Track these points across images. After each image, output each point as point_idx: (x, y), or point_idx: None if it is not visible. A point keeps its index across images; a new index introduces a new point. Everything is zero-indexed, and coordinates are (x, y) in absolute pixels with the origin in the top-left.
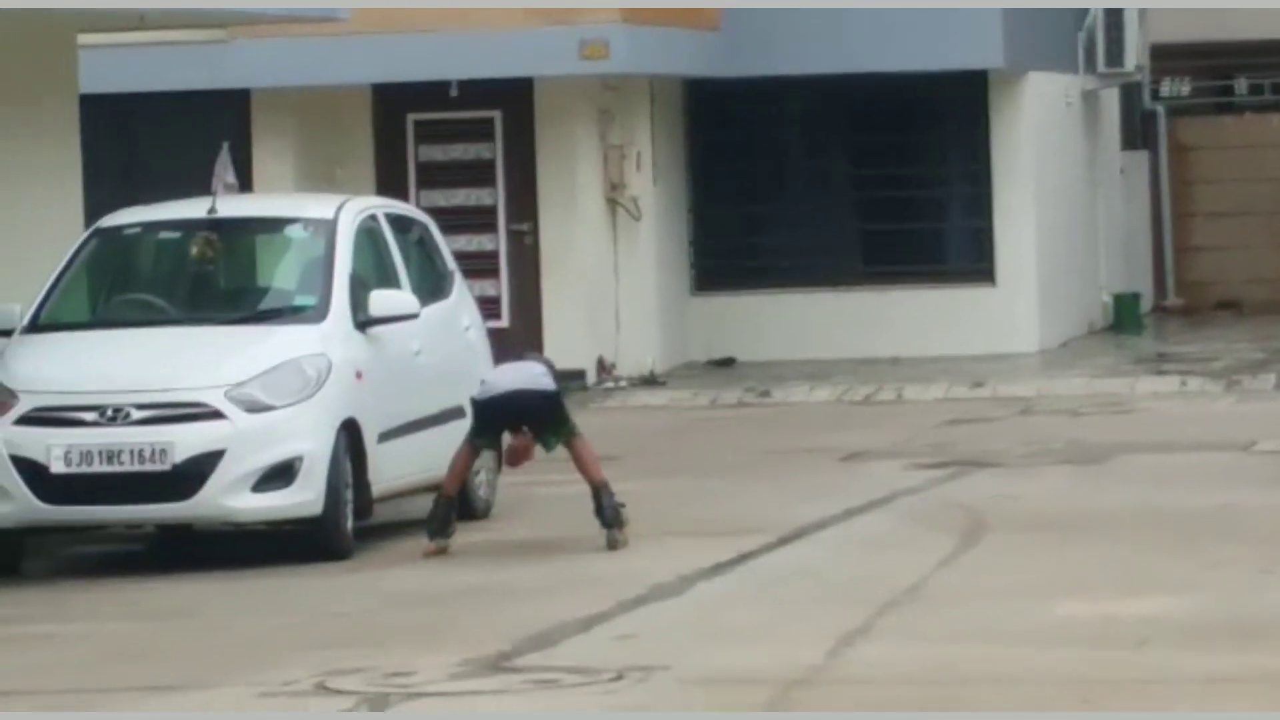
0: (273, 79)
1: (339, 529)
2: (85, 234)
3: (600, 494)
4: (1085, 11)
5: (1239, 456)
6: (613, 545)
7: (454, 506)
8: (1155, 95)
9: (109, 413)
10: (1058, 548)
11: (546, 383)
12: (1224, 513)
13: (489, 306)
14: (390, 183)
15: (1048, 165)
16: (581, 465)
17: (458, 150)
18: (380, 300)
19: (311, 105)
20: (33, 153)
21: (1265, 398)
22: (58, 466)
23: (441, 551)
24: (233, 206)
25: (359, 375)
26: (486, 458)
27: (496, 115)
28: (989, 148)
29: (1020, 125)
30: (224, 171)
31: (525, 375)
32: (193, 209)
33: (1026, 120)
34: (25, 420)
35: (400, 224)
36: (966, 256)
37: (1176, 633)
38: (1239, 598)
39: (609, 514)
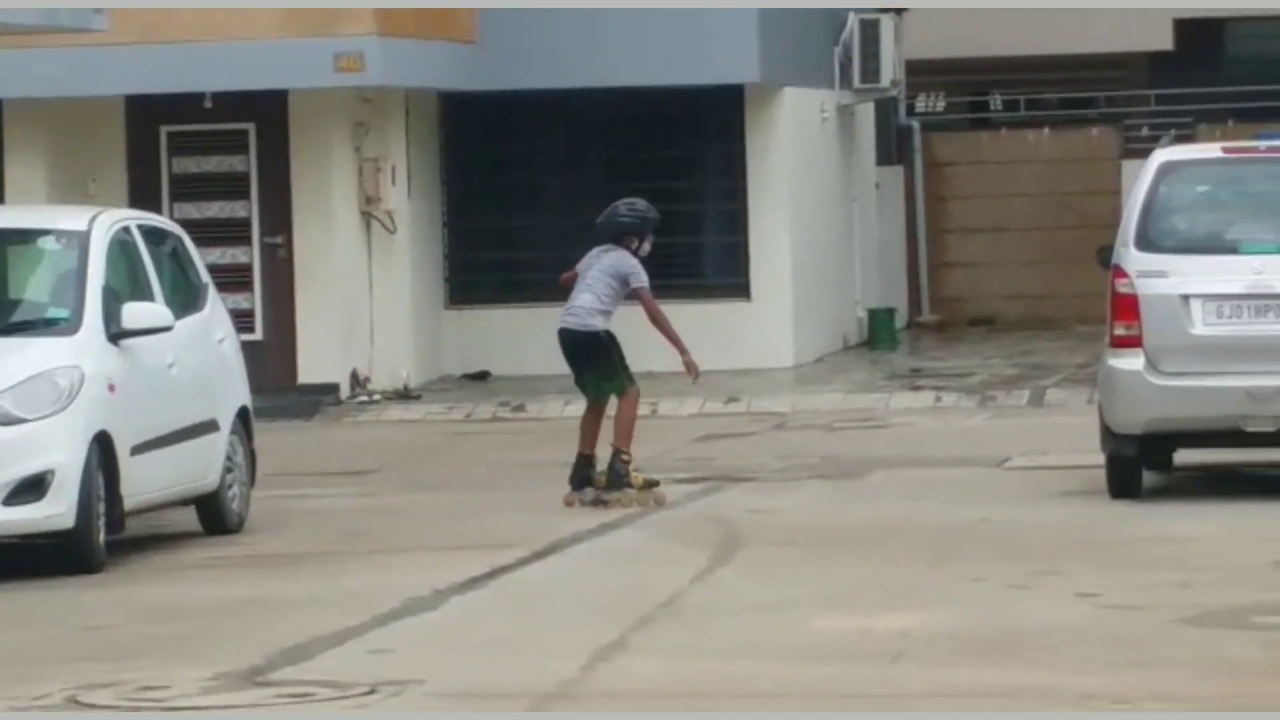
0: (24, 89)
1: (91, 543)
2: None
3: (613, 457)
4: (842, 27)
5: (993, 472)
6: (595, 503)
7: (587, 462)
8: (911, 111)
9: None
10: (813, 562)
11: (593, 321)
12: (978, 528)
13: (243, 319)
14: (143, 195)
15: (803, 180)
16: (615, 423)
17: (211, 163)
18: (133, 313)
19: (64, 116)
20: None
21: (1018, 414)
22: None
23: (570, 504)
24: None
25: (112, 388)
26: (239, 470)
27: (250, 127)
28: (744, 162)
29: (776, 140)
30: None
31: (576, 310)
32: None
33: (782, 135)
34: None
35: (154, 236)
36: (722, 271)
37: (931, 647)
38: (993, 612)
39: (608, 475)
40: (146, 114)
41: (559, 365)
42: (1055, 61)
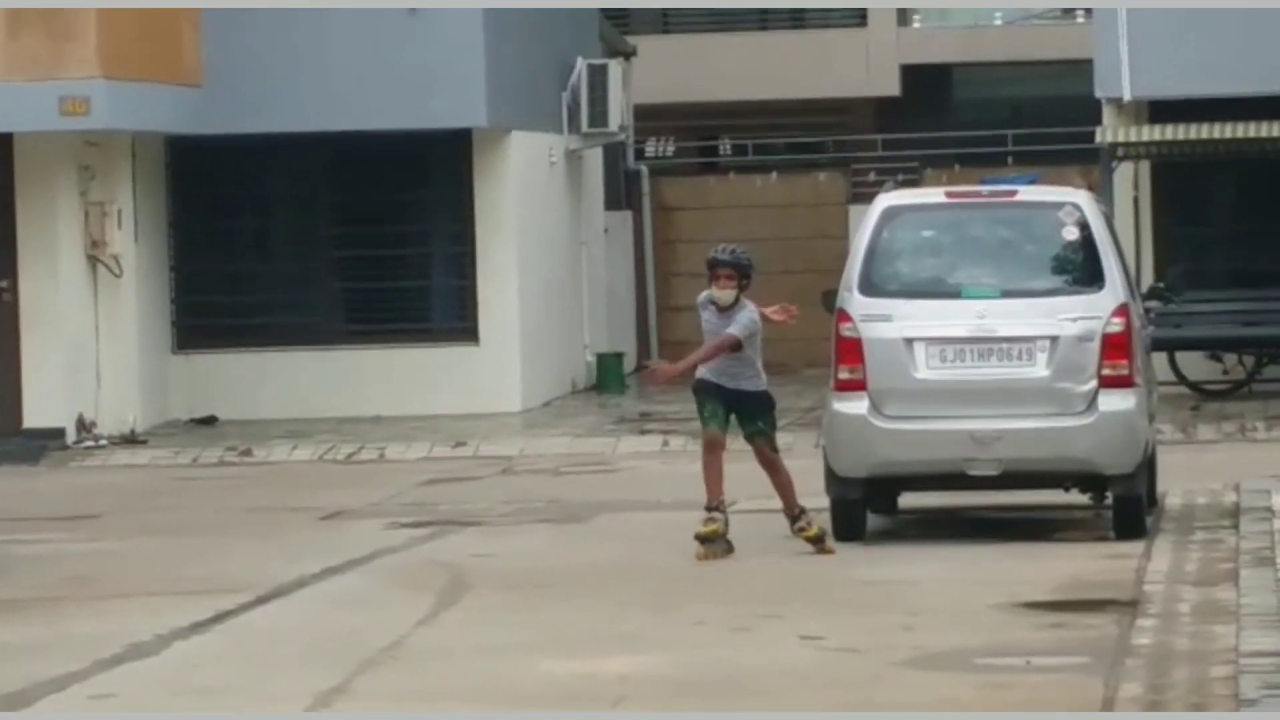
0: None
1: None
2: None
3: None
4: (570, 70)
5: None
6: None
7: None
8: (640, 155)
9: None
10: (539, 605)
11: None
12: (702, 571)
13: None
14: None
15: (531, 224)
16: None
17: None
18: None
19: None
20: None
21: (744, 458)
22: None
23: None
24: None
25: None
26: None
27: None
28: (473, 206)
29: (504, 184)
30: None
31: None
32: None
33: (510, 179)
34: None
35: None
36: (450, 315)
37: (654, 690)
38: (715, 655)
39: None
40: None
41: (286, 409)
42: (784, 106)
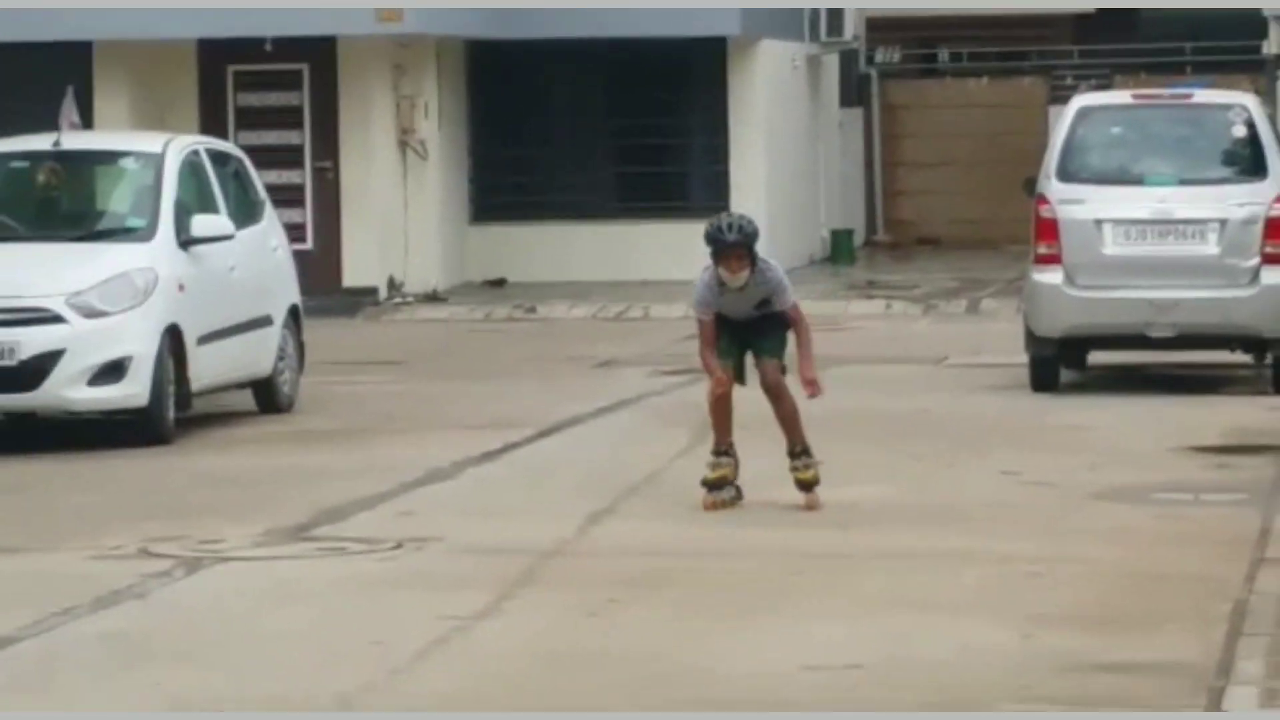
0: (110, 32)
1: (162, 419)
2: None
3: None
4: None
5: (933, 369)
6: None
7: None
8: (870, 61)
9: None
10: (777, 443)
11: None
12: (919, 415)
13: (295, 232)
14: (212, 124)
15: (776, 119)
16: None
17: (270, 98)
18: (201, 223)
19: (145, 57)
20: None
21: (957, 320)
22: None
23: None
24: (75, 141)
25: (181, 287)
26: (290, 359)
27: (305, 68)
28: (727, 103)
29: (753, 84)
30: (69, 111)
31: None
32: (40, 143)
33: (759, 80)
34: None
35: (219, 159)
36: (706, 195)
37: (876, 515)
38: (929, 486)
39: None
40: (216, 55)
41: (565, 273)
42: (994, 20)
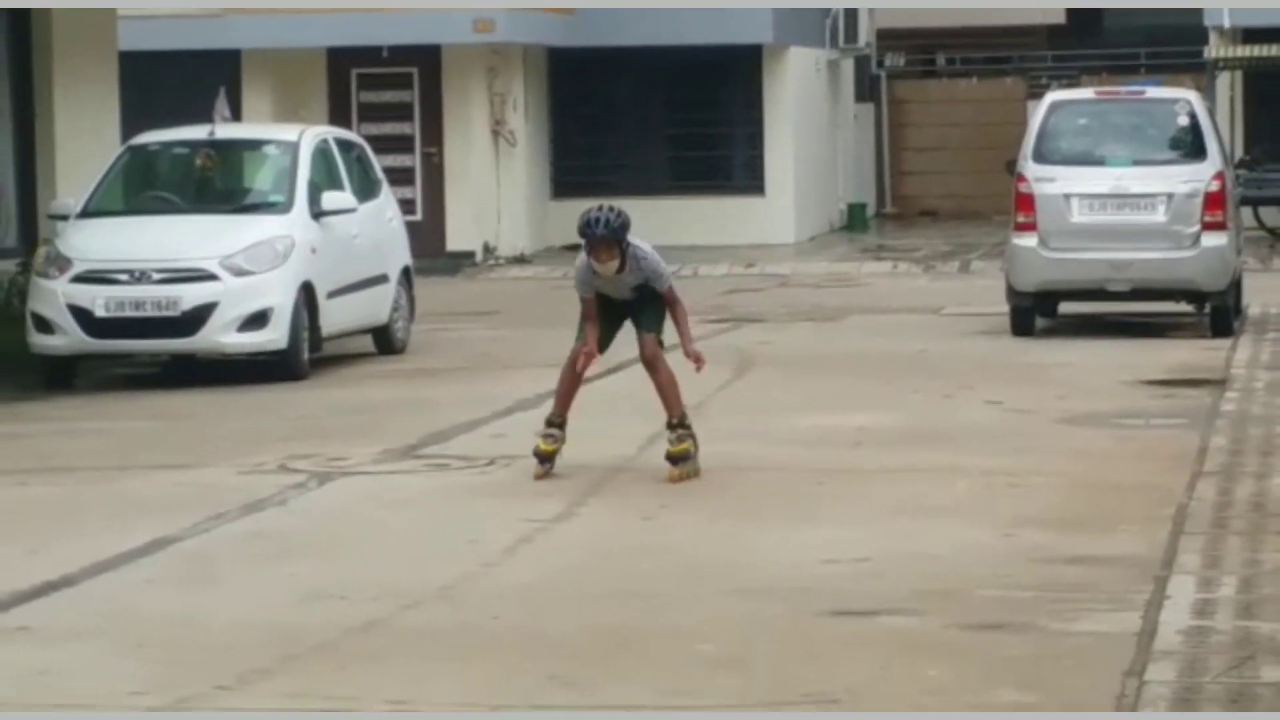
0: (256, 43)
1: (298, 359)
2: (120, 149)
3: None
4: (831, 3)
5: (932, 317)
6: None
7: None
8: (880, 64)
9: (136, 274)
10: (801, 378)
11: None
12: (919, 355)
13: (406, 206)
14: (339, 117)
15: (802, 112)
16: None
17: (386, 95)
18: (329, 198)
19: (285, 62)
20: (85, 93)
21: (951, 277)
22: (100, 312)
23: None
24: (226, 131)
25: (313, 251)
26: (403, 310)
27: (414, 71)
28: (762, 98)
29: (784, 83)
30: (221, 107)
31: None
32: (198, 133)
33: (789, 80)
34: (78, 279)
35: (345, 146)
36: (744, 175)
37: (882, 437)
38: (927, 413)
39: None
40: (342, 60)
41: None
42: (983, 30)
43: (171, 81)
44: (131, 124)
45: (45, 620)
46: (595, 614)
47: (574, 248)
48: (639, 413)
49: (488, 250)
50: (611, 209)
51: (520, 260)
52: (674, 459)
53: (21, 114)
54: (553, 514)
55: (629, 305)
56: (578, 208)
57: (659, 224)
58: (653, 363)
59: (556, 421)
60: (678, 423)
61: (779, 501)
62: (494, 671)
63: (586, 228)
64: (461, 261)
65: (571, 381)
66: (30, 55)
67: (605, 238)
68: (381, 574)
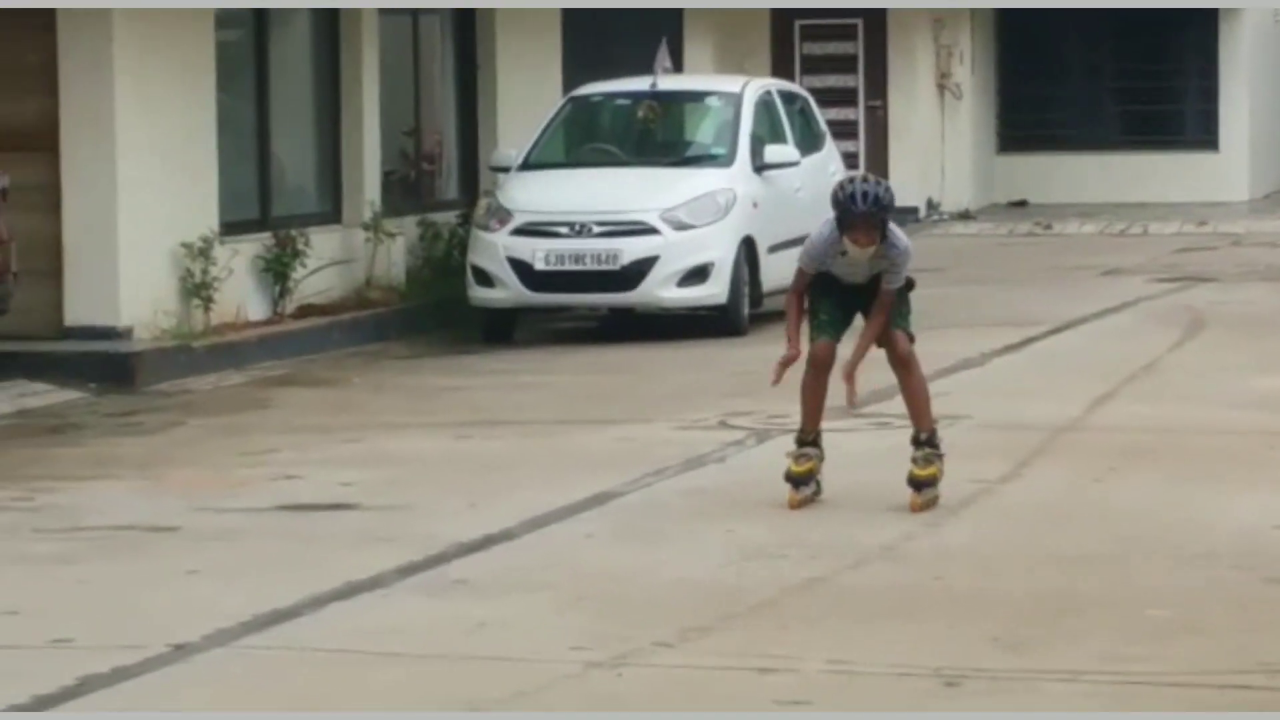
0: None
1: (739, 314)
2: (562, 101)
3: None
4: None
5: None
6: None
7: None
8: None
9: (576, 227)
10: (1256, 339)
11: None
12: None
13: (849, 159)
14: (781, 69)
15: (1258, 69)
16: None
17: (830, 47)
18: (772, 151)
19: (727, 15)
20: (526, 45)
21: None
22: (540, 265)
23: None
24: (668, 83)
25: (755, 205)
26: None
27: (859, 22)
28: (1217, 54)
29: (1237, 41)
30: (663, 58)
31: None
32: (639, 84)
33: (1245, 38)
34: (518, 232)
35: (787, 98)
36: (1197, 130)
37: None
38: None
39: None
40: (785, 12)
41: (1076, 195)
42: None
43: (612, 33)
44: (572, 75)
45: (484, 573)
46: (1040, 576)
47: (1019, 204)
48: (1086, 373)
49: (931, 206)
50: (878, 181)
51: (964, 216)
52: (919, 484)
53: (463, 66)
54: (998, 474)
55: (861, 291)
56: (1024, 163)
57: (1108, 180)
58: (906, 362)
59: (808, 439)
60: (926, 439)
61: (1230, 465)
62: (935, 632)
63: (849, 201)
64: (905, 217)
65: (815, 390)
66: (473, 8)
67: (873, 215)
68: (820, 532)
